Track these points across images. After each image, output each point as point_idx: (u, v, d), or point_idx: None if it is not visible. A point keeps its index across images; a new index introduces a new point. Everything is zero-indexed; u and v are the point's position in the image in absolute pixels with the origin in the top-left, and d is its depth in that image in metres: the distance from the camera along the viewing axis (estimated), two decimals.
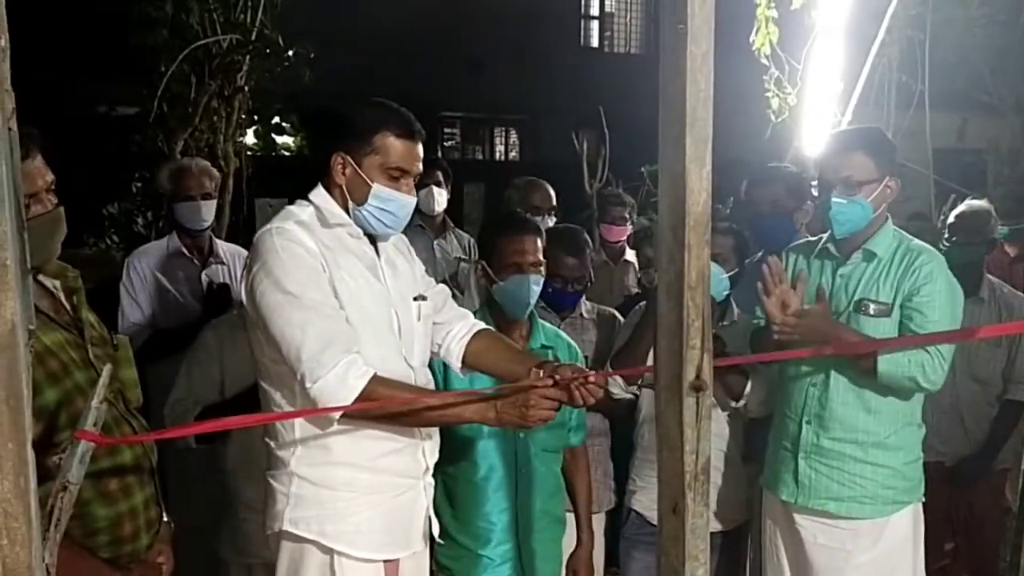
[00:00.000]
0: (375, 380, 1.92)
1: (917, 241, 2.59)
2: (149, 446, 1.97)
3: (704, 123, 1.35)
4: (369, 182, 2.03)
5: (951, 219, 3.61)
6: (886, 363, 2.42)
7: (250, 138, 8.05)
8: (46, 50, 7.22)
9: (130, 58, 5.24)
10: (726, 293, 2.89)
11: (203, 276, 3.36)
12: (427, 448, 2.15)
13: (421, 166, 2.10)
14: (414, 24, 11.57)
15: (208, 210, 3.41)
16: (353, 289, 2.01)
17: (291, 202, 2.12)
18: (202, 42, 4.93)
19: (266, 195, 6.27)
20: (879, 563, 2.56)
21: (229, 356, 2.82)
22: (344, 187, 2.04)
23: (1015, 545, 2.10)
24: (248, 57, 5.18)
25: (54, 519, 1.35)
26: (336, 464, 2.01)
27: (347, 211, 2.06)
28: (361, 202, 2.04)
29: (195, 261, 3.40)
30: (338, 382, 1.88)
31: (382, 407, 1.92)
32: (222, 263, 3.44)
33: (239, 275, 3.39)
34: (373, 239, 2.13)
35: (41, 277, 1.83)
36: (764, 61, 4.73)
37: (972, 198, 3.87)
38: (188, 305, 3.28)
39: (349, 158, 2.03)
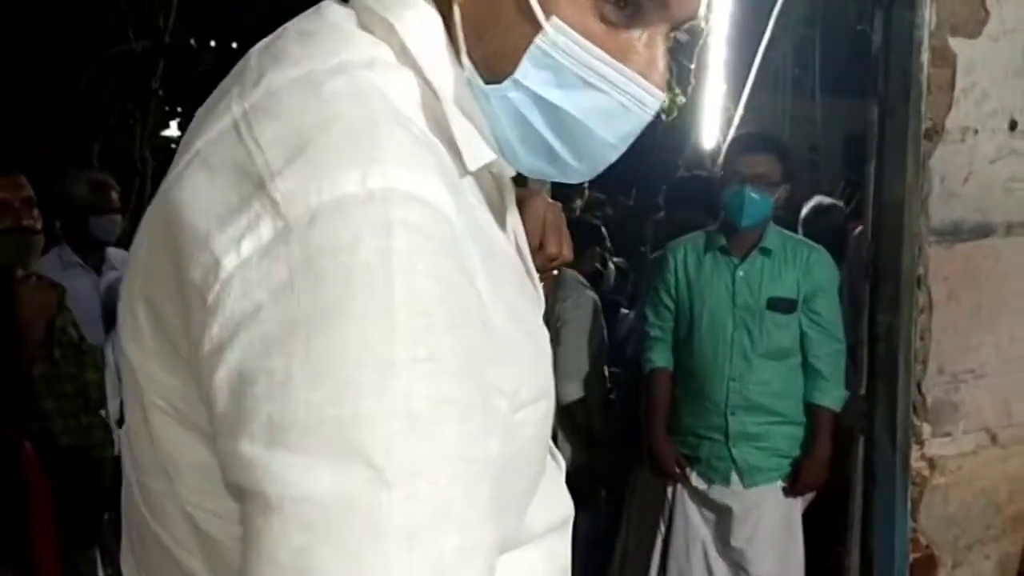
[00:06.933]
0: None
1: (796, 236, 2.78)
2: None
3: None
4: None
5: (804, 213, 3.88)
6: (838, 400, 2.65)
7: (174, 131, 8.09)
8: None
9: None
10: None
11: (100, 285, 3.21)
12: None
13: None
14: None
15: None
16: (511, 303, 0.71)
17: None
18: (115, 50, 5.03)
19: None
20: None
21: None
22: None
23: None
24: (162, 62, 5.28)
25: None
26: None
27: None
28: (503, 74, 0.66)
29: (90, 271, 3.20)
30: None
31: None
32: (114, 268, 3.27)
33: None
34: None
35: None
36: None
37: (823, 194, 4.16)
38: (85, 321, 2.91)
39: None
